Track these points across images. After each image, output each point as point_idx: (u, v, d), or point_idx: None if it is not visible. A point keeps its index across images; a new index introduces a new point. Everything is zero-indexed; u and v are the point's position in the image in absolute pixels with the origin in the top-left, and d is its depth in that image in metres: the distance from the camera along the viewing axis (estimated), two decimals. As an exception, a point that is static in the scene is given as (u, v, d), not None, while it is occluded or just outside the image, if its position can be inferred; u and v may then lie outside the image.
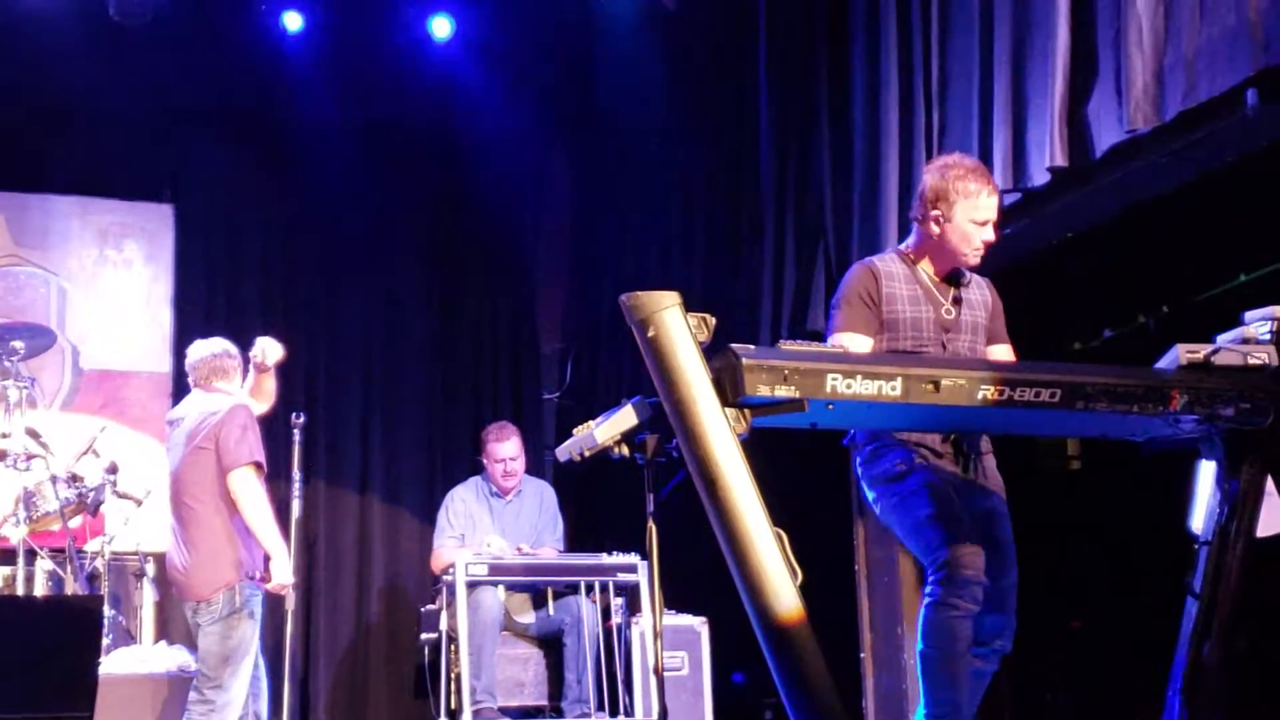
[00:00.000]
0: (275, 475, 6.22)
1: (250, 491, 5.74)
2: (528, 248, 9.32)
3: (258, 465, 5.79)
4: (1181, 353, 4.06)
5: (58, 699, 3.67)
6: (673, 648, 6.94)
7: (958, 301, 4.61)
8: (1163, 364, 4.10)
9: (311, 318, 8.83)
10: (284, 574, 5.77)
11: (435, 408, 9.03)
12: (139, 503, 7.12)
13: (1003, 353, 4.70)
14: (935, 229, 4.57)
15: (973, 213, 4.53)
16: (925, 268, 4.62)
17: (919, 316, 4.54)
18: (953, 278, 4.65)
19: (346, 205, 8.82)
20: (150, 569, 7.26)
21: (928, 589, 4.37)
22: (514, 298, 9.26)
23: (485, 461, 7.78)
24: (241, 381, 6.16)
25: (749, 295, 7.34)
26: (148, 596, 7.19)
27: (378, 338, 8.97)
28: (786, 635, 3.64)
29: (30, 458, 6.62)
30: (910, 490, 4.40)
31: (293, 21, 8.33)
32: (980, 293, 4.71)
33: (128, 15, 7.87)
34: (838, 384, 3.79)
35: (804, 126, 7.09)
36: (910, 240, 4.69)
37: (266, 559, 5.83)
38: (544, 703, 7.23)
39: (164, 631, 7.35)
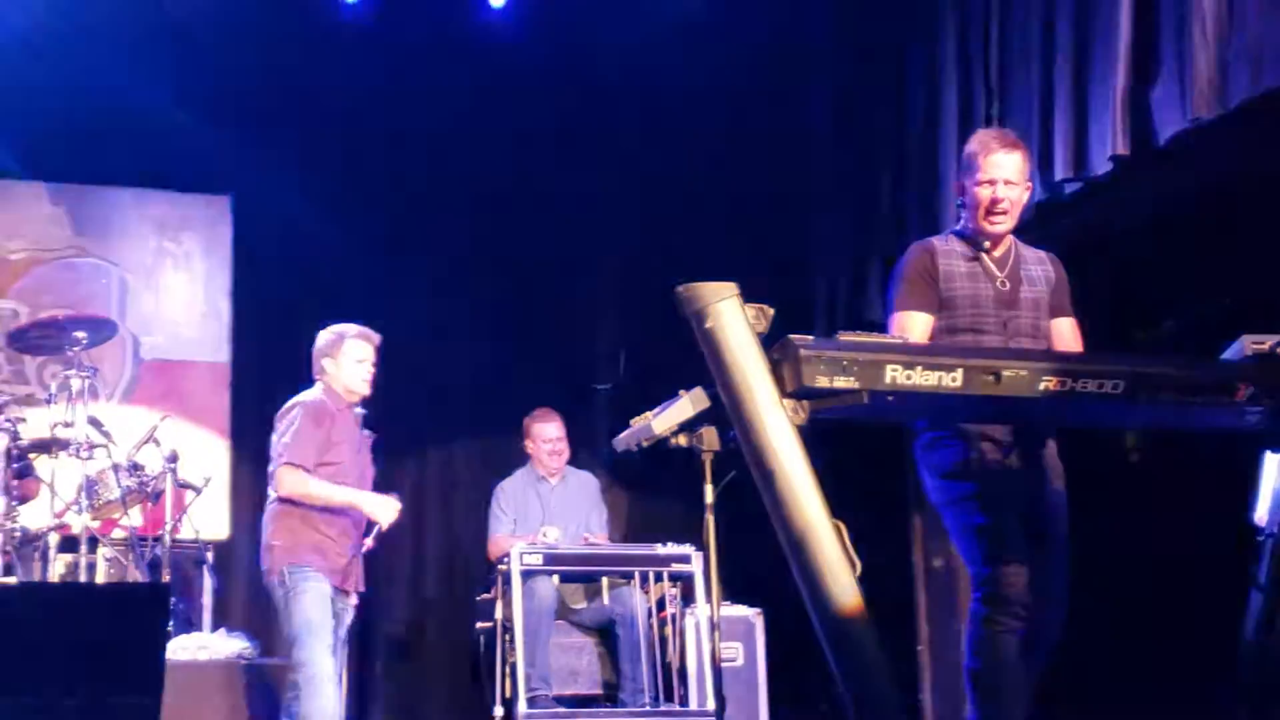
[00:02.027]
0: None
1: (293, 489, 5.75)
2: (581, 236, 9.30)
3: (296, 465, 5.76)
4: (1247, 343, 4.02)
5: (127, 684, 3.71)
6: (728, 639, 6.93)
7: (1016, 278, 4.59)
8: (1228, 355, 4.07)
9: (367, 307, 8.84)
10: (379, 514, 5.83)
11: (489, 399, 9.02)
12: (199, 491, 7.18)
13: (1066, 327, 4.66)
14: (960, 197, 4.61)
15: (976, 174, 4.53)
16: (979, 245, 4.60)
17: (977, 293, 4.52)
18: (1010, 253, 4.62)
19: (401, 196, 8.83)
20: (210, 556, 7.30)
21: (972, 605, 4.39)
22: (568, 287, 9.25)
23: (530, 446, 7.86)
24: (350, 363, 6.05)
25: (802, 286, 7.32)
26: (207, 584, 7.24)
27: (431, 328, 8.97)
28: (845, 627, 3.63)
29: (92, 446, 6.67)
30: (964, 494, 4.40)
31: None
32: (1042, 267, 4.67)
33: (184, 4, 7.91)
34: (897, 375, 3.77)
35: (860, 117, 7.06)
36: (961, 220, 4.69)
37: (369, 525, 5.89)
38: (598, 691, 7.23)
39: (224, 618, 7.39)
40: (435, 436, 9.03)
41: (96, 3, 7.94)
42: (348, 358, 5.99)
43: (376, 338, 6.09)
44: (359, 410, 6.05)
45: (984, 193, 4.51)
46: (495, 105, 8.81)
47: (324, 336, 6.07)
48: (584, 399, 9.14)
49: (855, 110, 7.08)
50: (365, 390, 6.01)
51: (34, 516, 6.90)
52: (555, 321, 9.20)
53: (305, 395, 5.97)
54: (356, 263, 8.87)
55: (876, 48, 6.94)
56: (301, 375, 6.19)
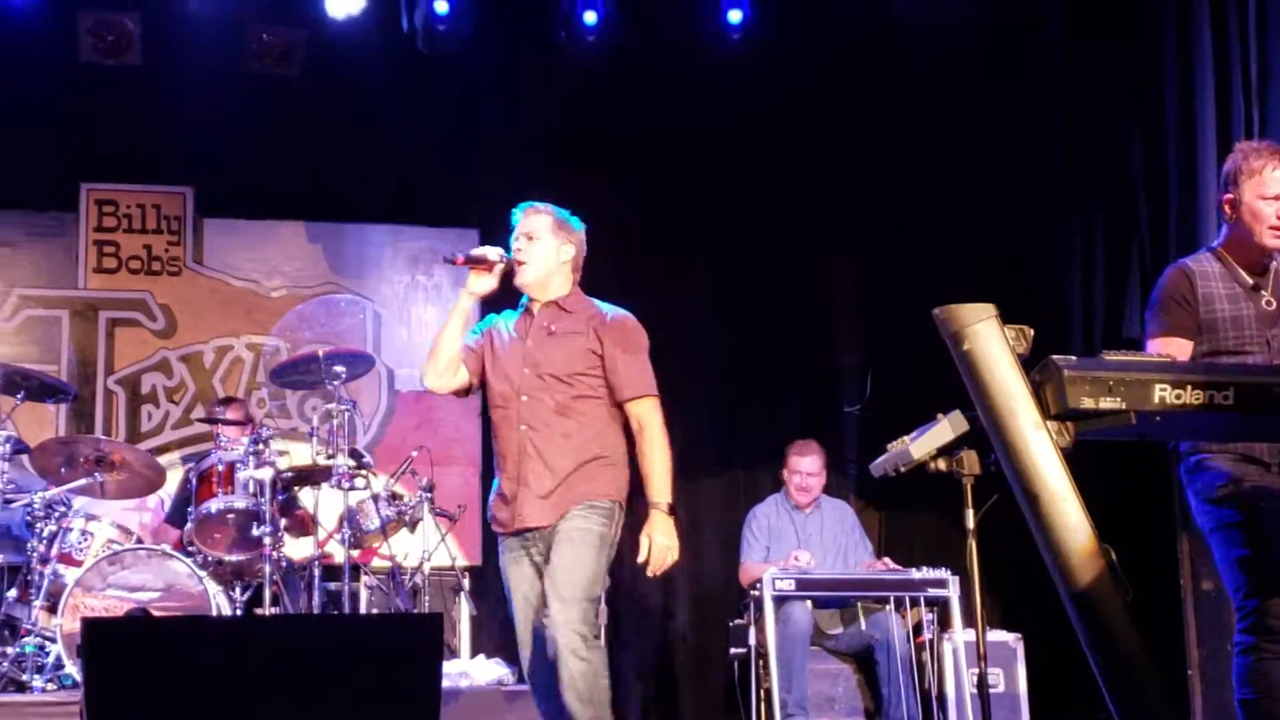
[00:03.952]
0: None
1: None
2: (823, 258, 9.23)
3: None
4: None
5: (403, 716, 3.79)
6: (989, 664, 6.77)
7: (1278, 294, 4.44)
8: None
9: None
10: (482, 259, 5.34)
11: (734, 424, 9.01)
12: (454, 520, 7.32)
13: None
14: (1230, 213, 4.46)
15: (1260, 188, 4.39)
16: (1239, 262, 4.47)
17: (1239, 314, 4.40)
18: (1272, 269, 4.47)
19: (641, 220, 8.86)
20: (466, 583, 7.44)
21: (1237, 635, 4.28)
22: (811, 310, 9.17)
23: (785, 473, 7.82)
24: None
25: (1056, 304, 7.15)
26: (464, 611, 7.38)
27: (673, 354, 8.92)
28: (1119, 655, 3.53)
29: (353, 477, 6.85)
30: (1230, 520, 4.28)
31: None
32: None
33: (434, 46, 8.12)
34: (1166, 394, 3.67)
35: (1108, 126, 6.88)
36: (1220, 236, 4.56)
37: None
38: (856, 719, 7.15)
39: (481, 645, 7.52)
40: (681, 463, 9.00)
41: (353, 45, 8.19)
42: None
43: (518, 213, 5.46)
44: (540, 303, 5.43)
45: (1269, 209, 4.39)
46: (733, 127, 8.80)
47: None
48: (832, 422, 9.06)
49: (1106, 121, 6.88)
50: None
51: (298, 547, 7.15)
52: (799, 346, 9.14)
53: None
54: (599, 292, 8.93)
55: (1127, 53, 6.74)
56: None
